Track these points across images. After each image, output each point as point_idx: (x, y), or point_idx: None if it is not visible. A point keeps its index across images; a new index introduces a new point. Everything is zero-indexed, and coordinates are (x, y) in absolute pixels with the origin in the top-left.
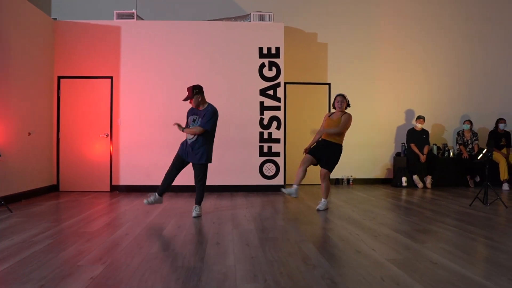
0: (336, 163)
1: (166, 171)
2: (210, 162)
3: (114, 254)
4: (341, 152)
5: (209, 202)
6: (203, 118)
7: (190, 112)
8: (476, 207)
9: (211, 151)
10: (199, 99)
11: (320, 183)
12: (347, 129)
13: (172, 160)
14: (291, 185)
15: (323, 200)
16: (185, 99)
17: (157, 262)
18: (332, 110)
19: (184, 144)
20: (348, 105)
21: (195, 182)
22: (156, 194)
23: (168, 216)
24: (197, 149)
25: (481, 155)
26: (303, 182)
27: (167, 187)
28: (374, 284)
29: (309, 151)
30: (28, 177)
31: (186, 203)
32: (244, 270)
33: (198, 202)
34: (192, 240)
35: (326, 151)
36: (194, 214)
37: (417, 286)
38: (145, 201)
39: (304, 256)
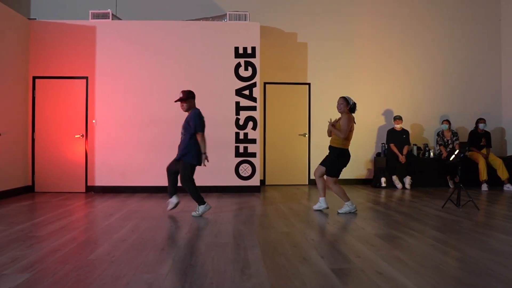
0: (335, 166)
1: (139, 172)
2: (193, 163)
3: (49, 261)
4: (341, 155)
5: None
6: (189, 122)
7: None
8: (448, 209)
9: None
10: (190, 104)
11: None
12: (350, 131)
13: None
14: (270, 185)
15: (346, 203)
16: (178, 100)
17: (86, 271)
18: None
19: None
20: (351, 108)
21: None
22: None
23: (128, 219)
24: (183, 149)
25: (453, 156)
26: (281, 182)
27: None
28: None
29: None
30: (0, 178)
31: (153, 206)
32: (173, 281)
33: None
34: (138, 245)
35: (328, 155)
36: (192, 213)
37: None
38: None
39: (245, 264)
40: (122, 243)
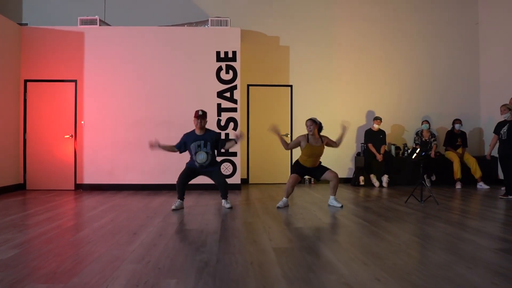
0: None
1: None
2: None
3: (35, 242)
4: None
5: (160, 199)
6: (216, 141)
7: (190, 139)
8: (410, 204)
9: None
10: (205, 123)
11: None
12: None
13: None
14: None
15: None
16: (198, 116)
17: (66, 249)
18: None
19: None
20: (320, 127)
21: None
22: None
23: (110, 212)
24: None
25: (415, 154)
26: (264, 181)
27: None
28: (246, 271)
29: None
30: None
31: (137, 201)
32: (137, 254)
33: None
34: (113, 231)
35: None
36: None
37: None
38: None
39: (202, 244)
40: (101, 229)
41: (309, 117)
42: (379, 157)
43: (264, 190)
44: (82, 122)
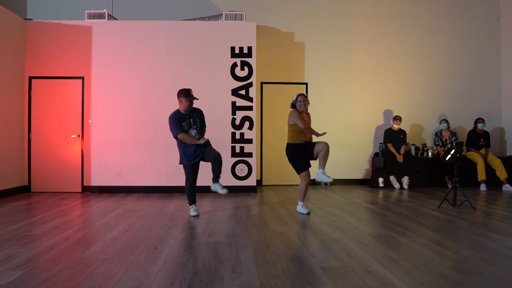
0: (292, 163)
1: (135, 172)
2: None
3: (41, 259)
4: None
5: (173, 203)
6: (201, 118)
7: (182, 118)
8: (444, 209)
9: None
10: None
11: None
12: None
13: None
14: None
15: (300, 202)
16: (191, 96)
17: (78, 269)
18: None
19: (192, 150)
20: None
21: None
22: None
23: (123, 218)
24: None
25: (449, 155)
26: (277, 182)
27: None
28: None
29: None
30: None
31: (149, 205)
32: (164, 278)
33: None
34: (131, 244)
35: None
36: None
37: None
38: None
39: (236, 263)
40: (115, 242)
41: (329, 112)
42: (400, 158)
43: (280, 193)
44: (90, 121)
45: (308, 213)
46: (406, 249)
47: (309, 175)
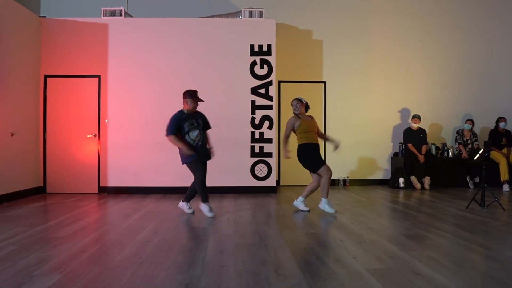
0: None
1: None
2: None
3: (76, 262)
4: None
5: (194, 204)
6: (204, 121)
7: (183, 119)
8: (472, 210)
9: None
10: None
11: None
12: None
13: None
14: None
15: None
16: (199, 100)
17: (117, 272)
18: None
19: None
20: (307, 107)
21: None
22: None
23: (148, 220)
24: (206, 148)
25: (478, 155)
26: (295, 183)
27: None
28: None
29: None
30: (12, 179)
31: (171, 206)
32: (209, 281)
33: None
34: (163, 246)
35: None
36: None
37: None
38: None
39: (278, 265)
40: (147, 244)
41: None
42: (421, 158)
43: (300, 193)
44: (106, 120)
45: (335, 211)
46: (447, 251)
47: (330, 169)
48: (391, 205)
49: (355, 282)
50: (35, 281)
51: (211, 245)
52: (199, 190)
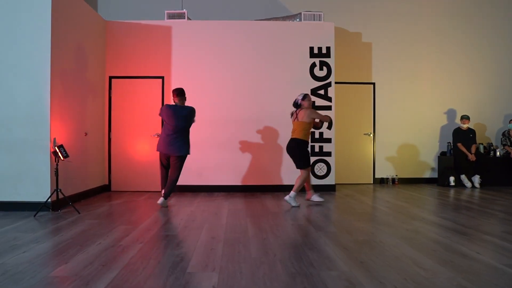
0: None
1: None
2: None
3: (216, 259)
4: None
5: (268, 202)
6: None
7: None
8: None
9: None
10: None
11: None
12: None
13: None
14: (338, 184)
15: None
16: (183, 95)
17: (271, 268)
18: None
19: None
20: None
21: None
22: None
23: (241, 217)
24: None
25: None
26: (347, 181)
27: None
28: None
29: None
30: (85, 177)
31: (247, 204)
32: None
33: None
34: (290, 243)
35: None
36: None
37: None
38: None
39: (414, 260)
40: (264, 241)
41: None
42: (472, 157)
43: (360, 190)
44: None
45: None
46: None
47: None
48: (456, 203)
49: (500, 277)
50: (198, 278)
51: (329, 242)
52: (174, 186)
